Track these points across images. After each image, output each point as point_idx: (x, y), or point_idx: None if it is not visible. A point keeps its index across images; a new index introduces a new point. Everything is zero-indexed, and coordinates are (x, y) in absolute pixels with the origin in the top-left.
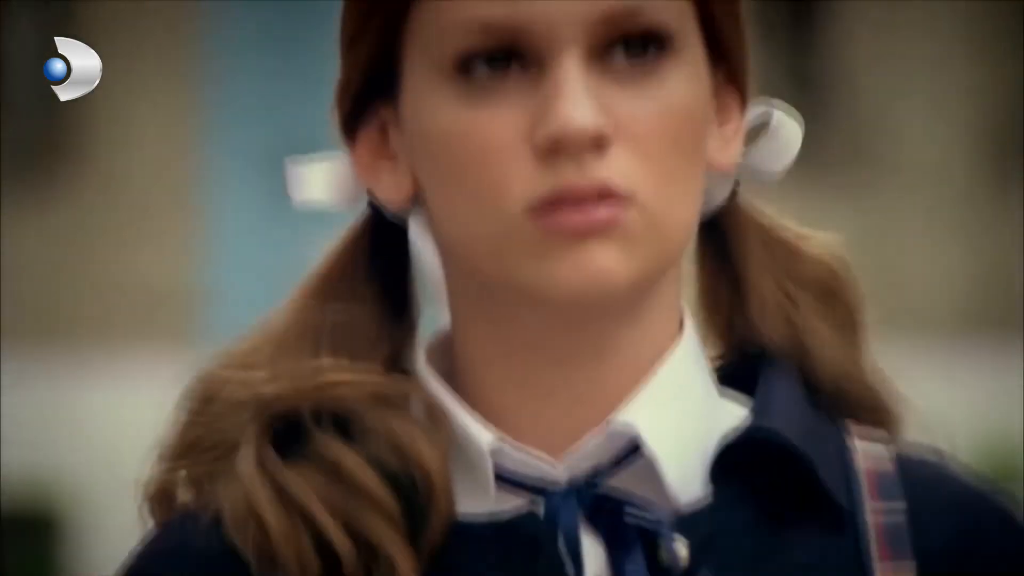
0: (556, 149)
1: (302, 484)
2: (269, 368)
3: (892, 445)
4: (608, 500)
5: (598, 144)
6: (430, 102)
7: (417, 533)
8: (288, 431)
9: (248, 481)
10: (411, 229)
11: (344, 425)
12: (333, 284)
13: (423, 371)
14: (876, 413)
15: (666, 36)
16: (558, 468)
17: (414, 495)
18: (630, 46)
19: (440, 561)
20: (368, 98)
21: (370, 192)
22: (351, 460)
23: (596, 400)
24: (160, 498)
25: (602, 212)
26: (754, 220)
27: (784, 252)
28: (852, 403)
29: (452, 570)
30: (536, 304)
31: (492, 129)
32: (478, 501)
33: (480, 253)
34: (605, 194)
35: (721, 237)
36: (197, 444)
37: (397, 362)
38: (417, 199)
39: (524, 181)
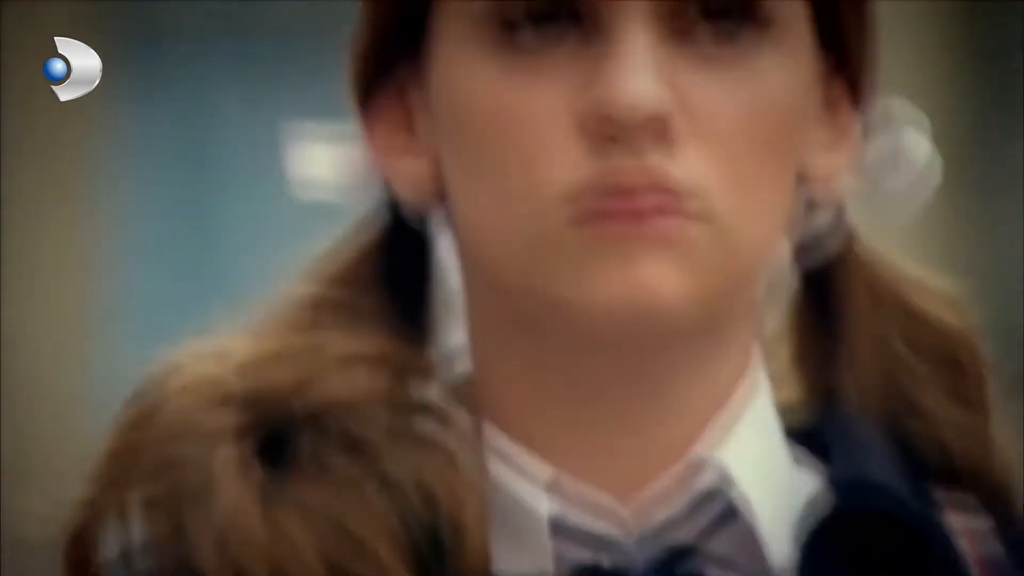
0: (606, 129)
1: (298, 517)
2: (249, 352)
3: (989, 519)
4: (687, 558)
5: (660, 131)
6: (462, 67)
7: None
8: (271, 433)
9: (227, 511)
10: (431, 232)
11: (354, 444)
12: (332, 301)
13: (446, 401)
14: (995, 498)
15: (761, 9)
16: (624, 516)
17: (438, 547)
18: (716, 18)
19: None
20: (390, 62)
21: (386, 181)
22: (368, 491)
23: (661, 443)
24: (81, 545)
25: (659, 218)
26: (866, 269)
27: (899, 311)
28: (967, 482)
29: None
30: (575, 324)
31: (531, 102)
32: (520, 556)
33: (508, 258)
34: (664, 192)
35: (824, 285)
36: (145, 457)
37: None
38: (441, 194)
39: (564, 165)
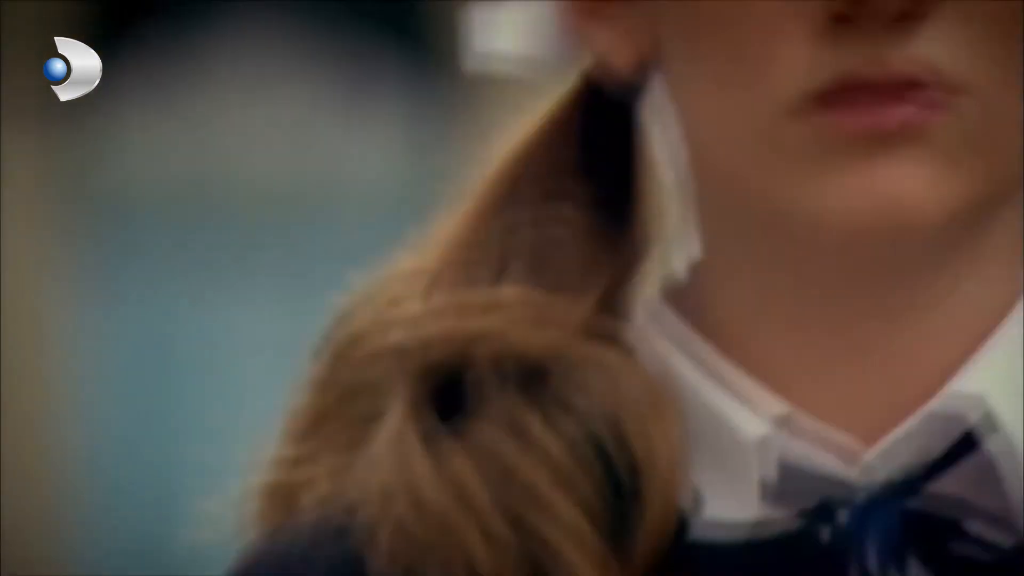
0: (849, 13)
1: (469, 462)
2: (429, 300)
3: None
4: (937, 517)
5: (911, 7)
6: None
7: (629, 544)
8: (452, 387)
9: (394, 455)
10: (641, 107)
11: (531, 383)
12: (527, 182)
13: (656, 315)
14: None
15: None
16: (866, 462)
17: (629, 490)
18: None
19: None
20: None
21: (584, 46)
22: (539, 430)
23: (912, 374)
24: (278, 497)
25: (905, 109)
26: None
27: None
28: None
29: None
30: (810, 232)
31: None
32: (735, 501)
33: (735, 159)
34: (912, 80)
35: None
36: (333, 412)
37: (611, 304)
38: (653, 63)
39: (797, 62)
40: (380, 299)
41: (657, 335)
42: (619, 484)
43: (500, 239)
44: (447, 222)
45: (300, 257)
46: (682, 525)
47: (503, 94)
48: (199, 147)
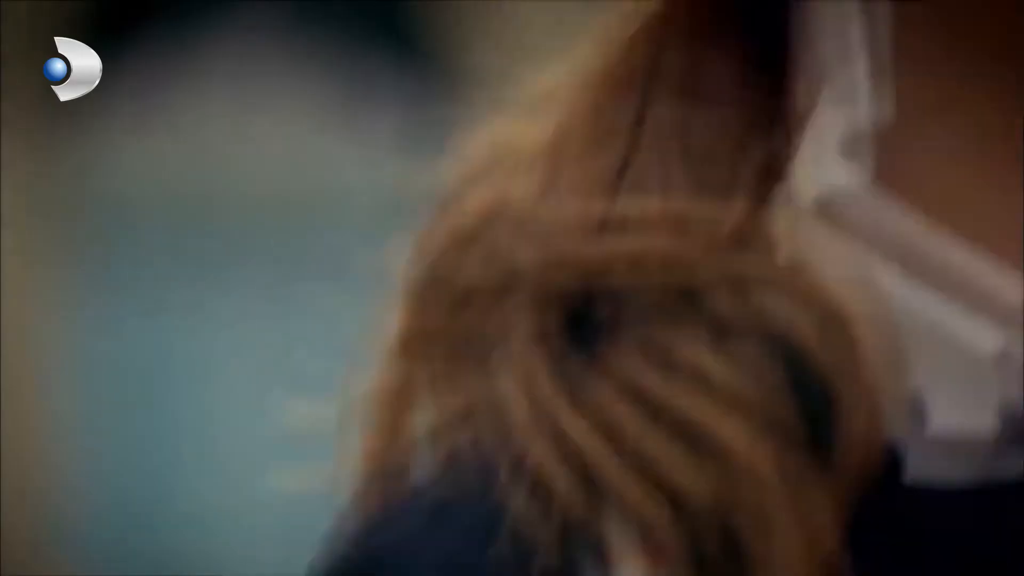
0: None
1: (614, 396)
2: (554, 201)
3: None
4: None
5: None
6: None
7: (827, 481)
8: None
9: (524, 394)
10: None
11: (680, 304)
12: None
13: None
14: None
15: None
16: None
17: (821, 420)
18: None
19: (881, 531)
20: None
21: None
22: (694, 354)
23: None
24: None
25: None
26: None
27: None
28: None
29: (908, 552)
30: None
31: None
32: (961, 404)
33: None
34: None
35: None
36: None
37: (765, 195)
38: None
39: None
40: (493, 194)
41: (839, 228)
42: (805, 414)
43: (633, 118)
44: (570, 87)
45: (298, 261)
46: (895, 461)
47: (502, 102)
48: (198, 150)
